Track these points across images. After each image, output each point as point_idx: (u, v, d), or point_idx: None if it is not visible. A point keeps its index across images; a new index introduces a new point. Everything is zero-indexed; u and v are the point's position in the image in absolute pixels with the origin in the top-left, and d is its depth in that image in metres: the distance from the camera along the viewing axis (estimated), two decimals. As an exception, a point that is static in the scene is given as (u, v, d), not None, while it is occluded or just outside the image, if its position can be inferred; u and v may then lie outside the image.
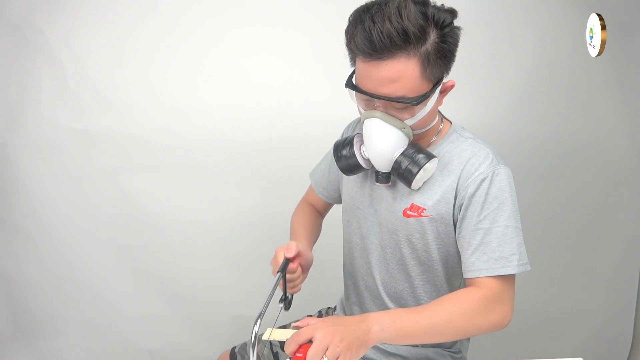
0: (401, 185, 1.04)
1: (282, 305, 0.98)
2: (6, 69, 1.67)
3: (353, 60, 0.96)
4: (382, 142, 0.95)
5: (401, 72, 0.88)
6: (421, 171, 0.95)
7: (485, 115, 1.69)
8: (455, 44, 0.93)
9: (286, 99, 1.70)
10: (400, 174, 0.96)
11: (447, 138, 1.04)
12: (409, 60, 0.87)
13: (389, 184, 1.02)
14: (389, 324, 0.84)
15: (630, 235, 1.81)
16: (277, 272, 0.94)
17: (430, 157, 0.96)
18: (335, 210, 1.31)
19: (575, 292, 1.86)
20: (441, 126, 1.06)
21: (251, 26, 1.66)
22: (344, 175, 1.17)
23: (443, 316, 0.88)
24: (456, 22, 0.92)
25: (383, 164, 0.98)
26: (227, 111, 1.70)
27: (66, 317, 1.82)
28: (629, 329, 1.87)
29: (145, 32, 1.66)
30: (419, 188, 1.01)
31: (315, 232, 1.25)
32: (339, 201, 1.28)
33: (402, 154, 0.96)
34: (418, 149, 0.96)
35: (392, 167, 0.97)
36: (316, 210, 1.31)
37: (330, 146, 1.20)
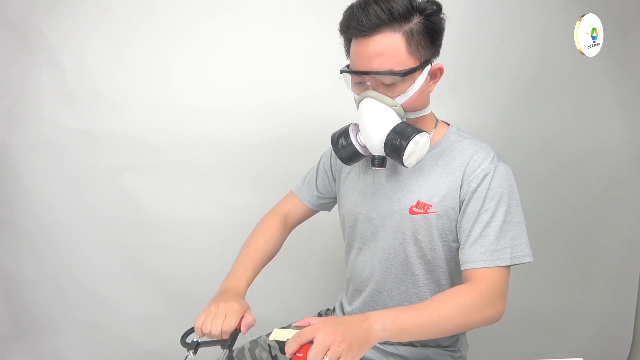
0: (405, 185, 1.06)
1: None
2: (6, 69, 1.67)
3: (347, 50, 1.03)
4: (375, 119, 0.99)
5: (387, 45, 0.94)
6: (411, 143, 0.96)
7: (485, 115, 1.70)
8: (439, 25, 0.98)
9: (286, 99, 1.70)
10: (392, 150, 0.98)
11: (447, 138, 1.08)
12: (394, 35, 0.94)
13: (385, 167, 1.04)
14: (391, 323, 0.86)
15: (630, 235, 1.81)
16: (225, 349, 0.95)
17: (419, 131, 0.97)
18: (335, 213, 1.32)
19: (575, 292, 1.86)
20: (437, 123, 1.10)
21: (251, 26, 1.67)
22: (342, 182, 1.20)
23: (442, 312, 0.90)
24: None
25: (376, 143, 1.00)
26: (227, 111, 1.70)
27: (66, 317, 1.82)
28: (629, 329, 1.87)
29: (145, 32, 1.66)
30: (424, 185, 1.04)
31: (266, 258, 1.22)
32: (327, 209, 1.31)
33: (393, 129, 0.98)
34: (407, 124, 0.98)
35: (384, 145, 0.99)
36: (283, 226, 1.27)
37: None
